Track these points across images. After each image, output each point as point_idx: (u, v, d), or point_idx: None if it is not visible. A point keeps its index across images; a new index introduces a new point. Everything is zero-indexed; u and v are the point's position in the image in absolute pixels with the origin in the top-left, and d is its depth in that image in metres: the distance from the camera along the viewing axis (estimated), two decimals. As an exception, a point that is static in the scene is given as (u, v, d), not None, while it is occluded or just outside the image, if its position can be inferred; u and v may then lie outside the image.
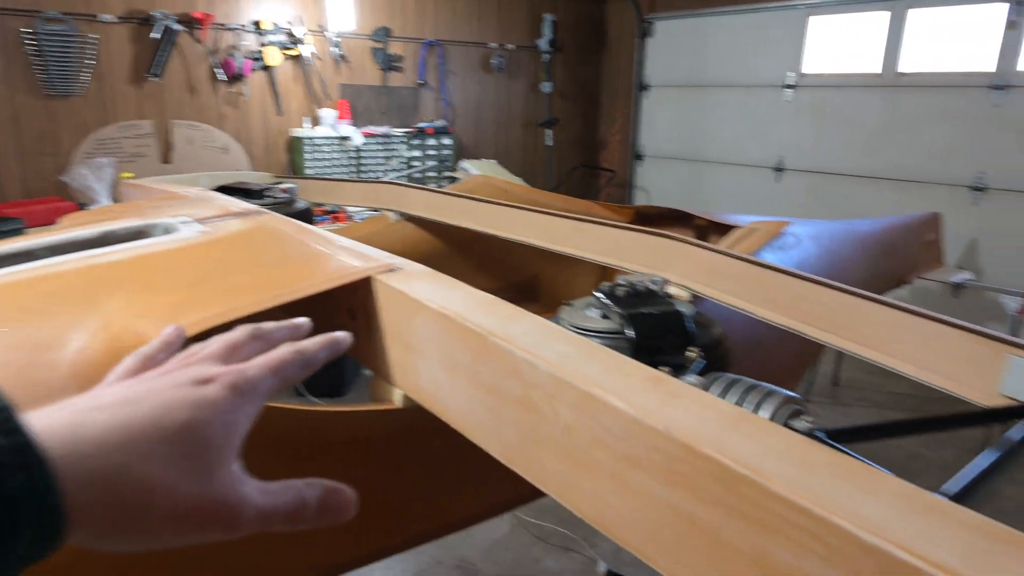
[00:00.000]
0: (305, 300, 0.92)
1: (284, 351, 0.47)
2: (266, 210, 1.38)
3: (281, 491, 0.43)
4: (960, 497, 0.55)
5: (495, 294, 0.85)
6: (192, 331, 0.77)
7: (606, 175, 6.89)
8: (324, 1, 4.88)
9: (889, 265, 2.90)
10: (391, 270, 0.90)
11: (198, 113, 4.56)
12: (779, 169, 5.38)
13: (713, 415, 0.55)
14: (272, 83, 4.79)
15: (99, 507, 0.35)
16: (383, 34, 5.24)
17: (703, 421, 0.54)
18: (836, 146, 5.01)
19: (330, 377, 3.53)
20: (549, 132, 6.42)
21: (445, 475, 1.06)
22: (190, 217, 1.26)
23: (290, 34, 4.75)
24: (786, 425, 0.64)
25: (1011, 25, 4.03)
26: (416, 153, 5.43)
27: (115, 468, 0.35)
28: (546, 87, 6.30)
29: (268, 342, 0.50)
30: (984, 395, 0.84)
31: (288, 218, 1.27)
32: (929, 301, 4.62)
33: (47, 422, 0.35)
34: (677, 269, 1.25)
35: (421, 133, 5.43)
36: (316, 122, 5.03)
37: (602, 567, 2.67)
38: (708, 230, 2.28)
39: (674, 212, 2.41)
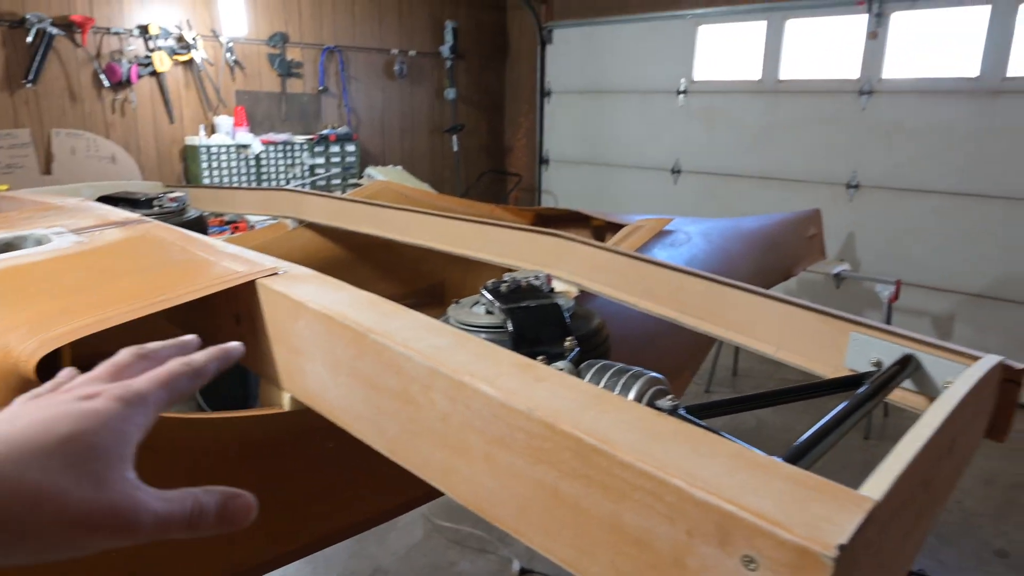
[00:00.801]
0: (189, 308, 0.90)
1: (173, 364, 0.47)
2: (149, 219, 1.34)
3: (179, 498, 0.43)
4: (796, 457, 0.62)
5: (401, 300, 0.86)
6: (65, 340, 0.75)
7: (513, 180, 6.98)
8: (215, 5, 4.72)
9: (775, 259, 3.09)
10: (274, 273, 0.90)
11: (81, 121, 4.31)
12: (676, 171, 5.62)
13: (574, 396, 0.59)
14: (162, 90, 4.59)
15: None
16: (279, 40, 5.12)
17: (564, 401, 0.58)
18: (726, 148, 5.29)
19: (234, 390, 3.41)
20: (455, 138, 6.45)
21: (343, 475, 1.06)
22: (64, 228, 1.21)
23: (180, 39, 4.57)
24: (651, 404, 0.69)
25: (872, 35, 4.39)
26: (320, 161, 5.34)
27: (2, 479, 0.36)
28: (450, 93, 6.33)
29: (156, 360, 0.50)
30: (833, 369, 0.92)
31: (172, 227, 1.24)
32: (814, 292, 4.96)
33: None
34: (566, 266, 1.31)
35: (324, 140, 5.34)
36: (212, 130, 4.86)
37: (516, 566, 2.71)
38: (605, 230, 2.37)
39: (573, 214, 2.48)
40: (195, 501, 0.44)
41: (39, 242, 1.13)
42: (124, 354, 0.49)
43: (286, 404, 0.89)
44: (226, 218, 4.31)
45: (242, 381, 3.42)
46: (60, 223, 1.24)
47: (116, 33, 4.34)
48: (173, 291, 0.87)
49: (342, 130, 5.50)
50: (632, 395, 0.69)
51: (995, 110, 4.08)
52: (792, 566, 0.42)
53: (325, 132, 5.40)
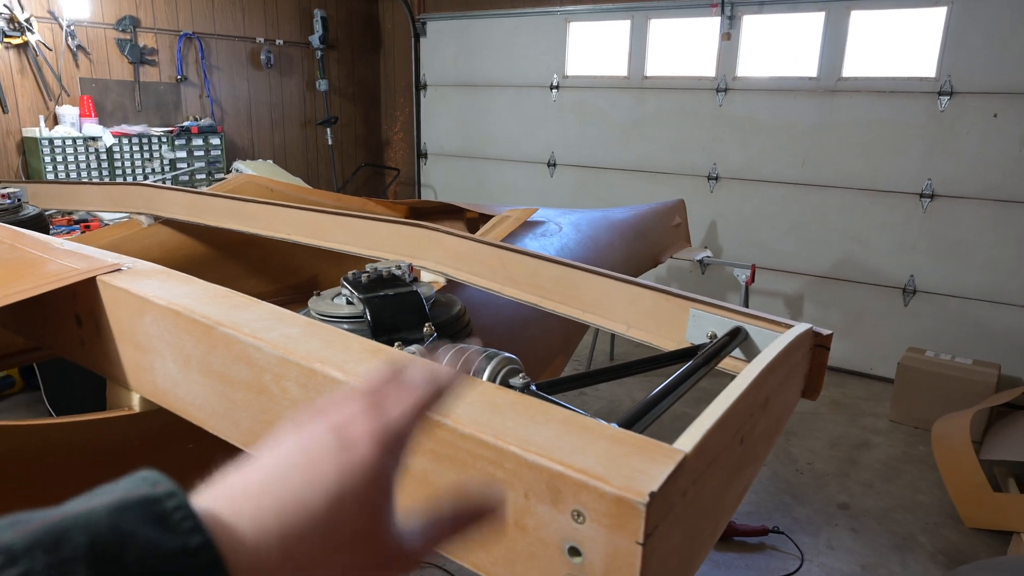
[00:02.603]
0: (24, 309, 0.84)
1: (424, 391, 0.43)
2: (-25, 217, 1.23)
3: (432, 530, 0.42)
4: (631, 422, 0.67)
5: (273, 297, 0.84)
6: None
7: (391, 173, 6.90)
8: (54, -16, 4.33)
9: (643, 247, 3.26)
10: (117, 269, 0.85)
11: None
12: (551, 164, 5.77)
13: (422, 375, 0.61)
14: (-7, 76, 4.16)
15: None
16: (129, 24, 4.77)
17: (412, 381, 0.60)
18: (597, 142, 5.50)
19: (90, 403, 3.17)
20: (329, 131, 6.28)
21: (209, 475, 1.03)
22: None
23: (11, 20, 4.15)
24: (504, 383, 0.73)
25: (725, 36, 4.70)
26: (181, 154, 5.03)
27: (270, 561, 0.34)
28: (322, 85, 6.15)
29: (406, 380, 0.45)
30: (676, 343, 1.00)
31: (1, 224, 1.14)
32: (682, 278, 5.27)
33: (210, 515, 0.33)
34: (433, 256, 1.32)
35: (185, 132, 5.03)
36: (55, 121, 4.45)
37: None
38: (478, 222, 2.41)
39: (447, 206, 2.50)
40: (445, 528, 0.43)
41: None
42: (381, 378, 0.44)
43: (136, 405, 0.86)
44: (75, 216, 3.98)
45: (100, 390, 3.17)
46: None
47: (-67, 11, 3.88)
48: (1, 292, 0.81)
49: (205, 122, 5.21)
50: (486, 375, 0.72)
51: (831, 108, 4.50)
52: (612, 515, 0.46)
53: (186, 124, 5.09)
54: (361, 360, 0.64)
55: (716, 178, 5.02)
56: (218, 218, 1.84)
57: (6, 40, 4.14)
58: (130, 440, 0.91)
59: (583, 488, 0.47)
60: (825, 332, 0.84)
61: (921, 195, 4.31)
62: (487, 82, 6.00)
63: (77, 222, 3.92)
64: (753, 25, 4.73)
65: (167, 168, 4.95)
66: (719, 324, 0.93)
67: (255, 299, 0.78)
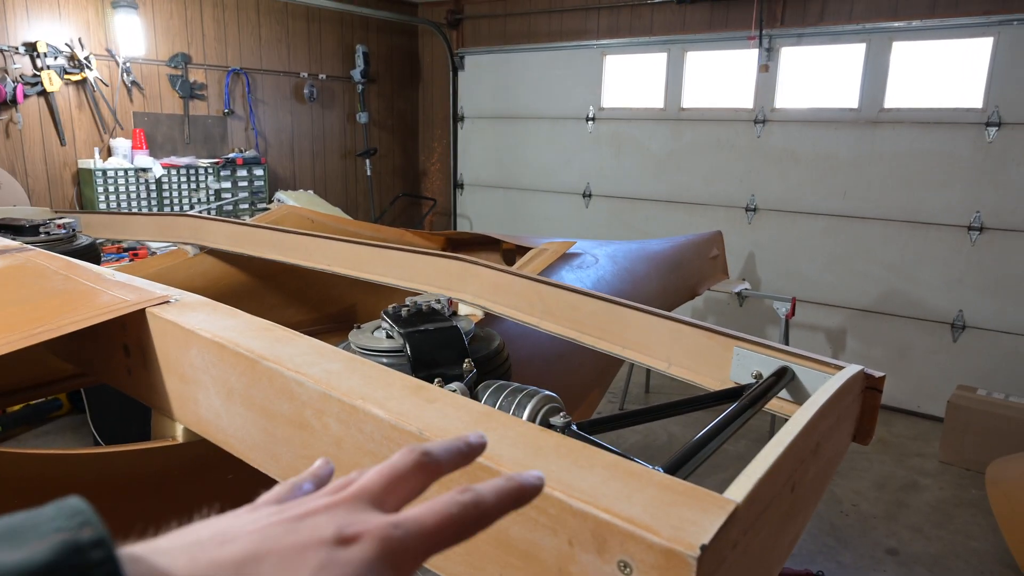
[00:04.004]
0: (75, 339, 0.86)
1: (455, 502, 0.37)
2: (32, 247, 1.27)
3: None
4: (676, 466, 0.65)
5: (312, 326, 0.85)
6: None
7: (428, 204, 6.98)
8: (111, 24, 4.53)
9: (680, 279, 3.22)
10: (165, 302, 0.87)
11: (-41, 143, 4.03)
12: (587, 195, 5.78)
13: (463, 415, 0.61)
14: (52, 110, 4.35)
15: None
16: (181, 61, 4.96)
17: (453, 421, 0.59)
18: (633, 173, 5.49)
19: (133, 428, 3.23)
20: (368, 162, 6.40)
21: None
22: (-68, 257, 1.13)
23: (72, 57, 4.35)
24: (545, 422, 0.72)
25: (763, 68, 4.69)
26: (226, 185, 5.17)
27: None
28: (363, 117, 6.29)
29: (437, 472, 0.41)
30: (719, 382, 0.98)
31: (57, 255, 1.18)
32: (719, 310, 5.19)
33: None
34: (470, 289, 1.33)
35: (231, 164, 5.18)
36: (108, 153, 4.63)
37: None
38: (515, 253, 2.41)
39: (483, 237, 2.52)
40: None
41: (-98, 273, 1.05)
42: (404, 459, 0.39)
43: (179, 435, 0.87)
44: (124, 245, 4.10)
45: (143, 417, 3.24)
46: (-73, 252, 1.16)
47: (1, 50, 4.09)
48: (54, 322, 0.83)
49: (249, 154, 5.36)
50: (526, 413, 0.71)
51: (873, 139, 4.43)
52: (660, 568, 0.45)
53: (231, 156, 5.24)
54: (403, 397, 0.63)
55: (754, 209, 4.97)
56: (260, 248, 1.87)
57: (66, 76, 4.34)
58: (172, 470, 0.92)
59: (630, 538, 0.46)
60: (877, 374, 0.82)
61: (969, 228, 4.20)
62: (523, 114, 6.07)
63: (126, 250, 4.04)
64: (791, 57, 4.71)
65: (212, 198, 5.09)
66: (764, 363, 0.91)
67: (298, 333, 0.78)
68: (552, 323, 1.15)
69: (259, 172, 5.35)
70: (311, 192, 5.76)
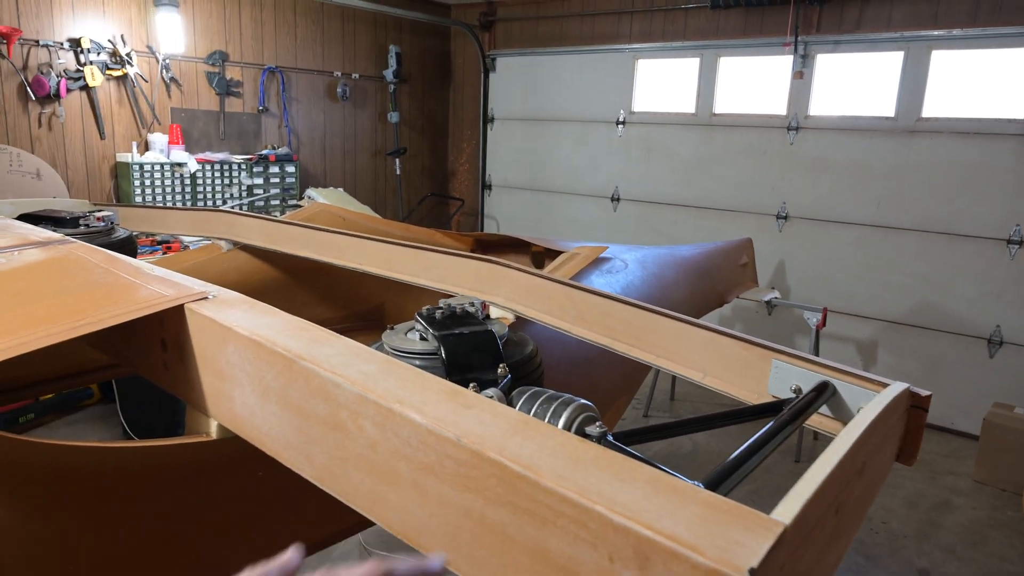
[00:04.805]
0: (113, 332, 0.87)
1: None
2: (73, 239, 1.29)
3: None
4: (716, 482, 0.64)
5: (337, 324, 0.86)
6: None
7: (456, 204, 7.00)
8: (152, 21, 4.61)
9: (708, 286, 3.19)
10: (203, 298, 0.88)
11: (5, 135, 4.13)
12: (615, 199, 5.75)
13: (501, 422, 0.60)
14: (93, 105, 4.44)
15: None
16: (218, 58, 5.04)
17: (491, 428, 0.59)
18: (663, 178, 5.45)
19: (162, 418, 3.28)
20: (398, 161, 6.44)
21: (275, 504, 1.04)
22: (-22, 248, 1.15)
23: (114, 54, 4.44)
24: (580, 431, 0.71)
25: (798, 75, 4.62)
26: (259, 181, 5.23)
27: None
28: (393, 117, 6.33)
29: None
30: (756, 395, 0.96)
31: (97, 248, 1.19)
32: (747, 318, 5.12)
33: None
34: (502, 292, 1.32)
35: (263, 160, 5.25)
36: (146, 147, 4.71)
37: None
38: (543, 256, 2.40)
39: (512, 240, 2.51)
40: None
41: (-51, 262, 1.07)
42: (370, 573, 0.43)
43: (213, 432, 0.87)
44: (158, 238, 4.17)
45: (172, 409, 3.29)
46: (-27, 242, 1.18)
47: (45, 46, 4.19)
48: (95, 315, 0.84)
49: (282, 151, 5.42)
50: (561, 422, 0.70)
51: (910, 148, 4.34)
52: (706, 588, 0.43)
53: (265, 152, 5.30)
54: (440, 402, 0.63)
55: (785, 217, 4.90)
56: (293, 246, 1.89)
57: (108, 72, 4.43)
58: (204, 466, 0.93)
59: (674, 557, 0.45)
60: (923, 393, 0.79)
61: (1009, 241, 4.09)
62: (553, 116, 6.06)
63: (159, 243, 4.11)
64: (827, 64, 4.64)
65: (245, 194, 5.15)
66: (803, 377, 0.89)
67: (334, 333, 0.78)
68: (584, 329, 1.14)
69: (291, 169, 5.41)
70: (341, 190, 5.81)
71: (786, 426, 0.72)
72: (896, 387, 0.76)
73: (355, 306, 2.48)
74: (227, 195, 5.06)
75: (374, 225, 2.39)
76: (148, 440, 0.92)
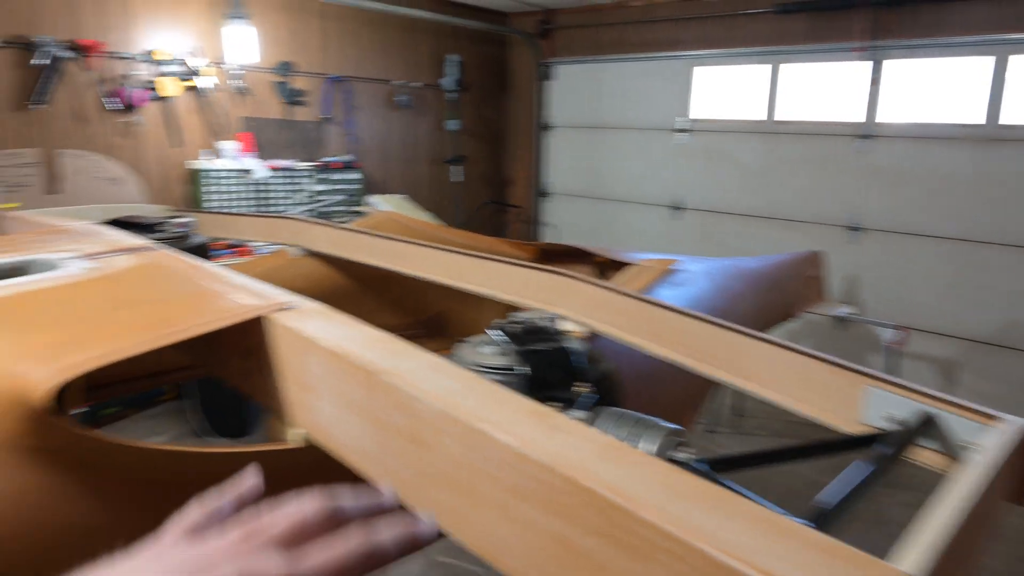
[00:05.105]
0: (201, 338, 0.89)
1: (356, 545, 0.41)
2: (158, 246, 1.33)
3: None
4: (822, 522, 0.60)
5: (402, 331, 0.86)
6: (78, 371, 0.74)
7: (514, 211, 7.02)
8: (224, 33, 4.78)
9: (776, 299, 3.09)
10: (284, 308, 0.89)
11: (87, 143, 4.33)
12: (675, 208, 5.66)
13: (592, 447, 0.58)
14: (168, 114, 4.63)
15: None
16: (286, 68, 5.18)
17: (582, 453, 0.57)
18: (724, 187, 5.34)
19: (233, 417, 3.38)
20: (456, 169, 6.50)
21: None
22: (75, 253, 1.20)
23: (187, 65, 4.62)
24: (668, 457, 0.68)
25: (874, 81, 4.46)
26: (322, 187, 5.36)
27: None
28: (452, 125, 6.39)
29: (342, 522, 0.45)
30: (845, 422, 0.91)
31: (181, 254, 1.23)
32: (815, 334, 4.96)
33: None
34: (571, 305, 1.30)
35: (327, 167, 5.37)
36: (217, 154, 4.88)
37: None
38: (606, 267, 2.37)
39: (575, 249, 2.49)
40: None
41: (48, 267, 1.12)
42: (314, 508, 0.43)
43: (295, 440, 0.88)
44: (228, 242, 4.30)
45: (240, 408, 3.38)
46: (70, 248, 1.23)
47: (124, 58, 4.38)
48: (184, 323, 0.86)
49: (346, 158, 5.53)
50: (650, 446, 0.68)
51: (996, 157, 4.13)
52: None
53: (329, 159, 5.43)
54: (527, 422, 0.62)
55: (856, 229, 4.73)
56: (361, 253, 1.91)
57: (182, 83, 4.61)
58: (282, 473, 0.94)
59: (791, 604, 0.42)
60: (1039, 426, 0.74)
61: (1105, 257, 3.85)
62: (611, 124, 6.01)
63: (230, 247, 4.24)
64: (900, 69, 4.46)
65: (309, 200, 5.28)
66: (899, 405, 0.84)
67: (414, 347, 0.78)
68: (660, 346, 1.11)
69: (354, 176, 5.52)
70: (402, 196, 5.90)
71: (890, 460, 0.68)
72: (1014, 422, 0.71)
73: (418, 313, 2.50)
74: (293, 201, 5.19)
75: (438, 233, 2.41)
76: (227, 446, 0.93)
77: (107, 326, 0.86)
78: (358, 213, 5.51)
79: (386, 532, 0.43)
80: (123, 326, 0.85)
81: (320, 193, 5.34)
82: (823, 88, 4.86)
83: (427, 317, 2.51)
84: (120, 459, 0.83)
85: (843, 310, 3.92)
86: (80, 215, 2.12)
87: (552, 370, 0.81)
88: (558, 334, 0.93)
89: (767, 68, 5.00)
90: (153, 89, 4.50)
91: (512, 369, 0.84)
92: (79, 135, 4.30)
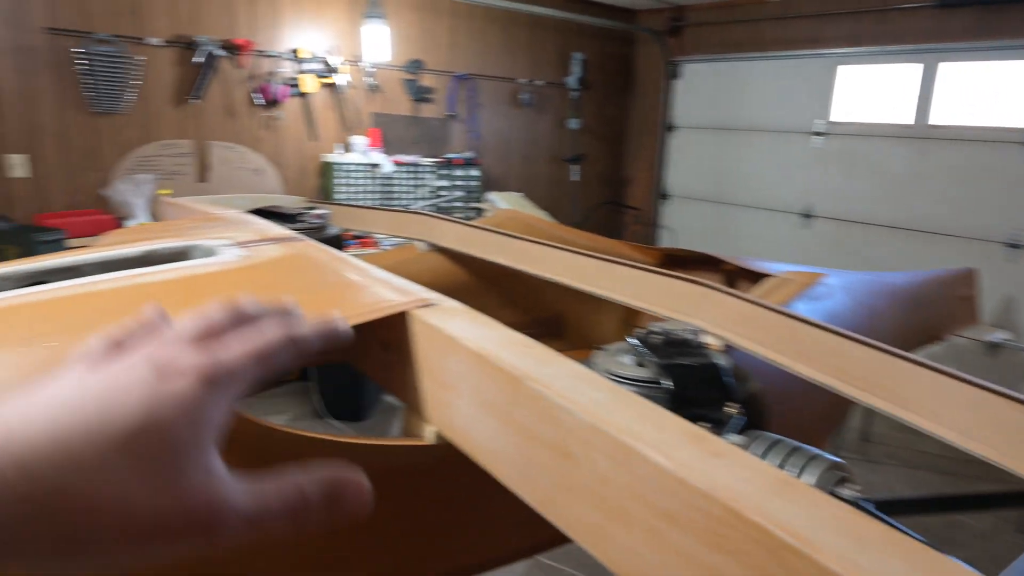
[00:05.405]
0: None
1: (272, 334, 0.39)
2: (302, 236, 1.40)
3: (275, 490, 0.36)
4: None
5: (521, 329, 0.84)
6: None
7: (631, 213, 6.90)
8: (361, 32, 5.00)
9: (921, 320, 2.85)
10: (426, 305, 0.90)
11: (234, 135, 4.66)
12: (807, 215, 5.36)
13: (758, 478, 0.54)
14: (307, 109, 4.89)
15: (30, 535, 0.29)
16: (416, 66, 5.34)
17: (747, 484, 0.53)
18: (864, 194, 4.99)
19: (351, 401, 3.53)
20: (575, 168, 6.47)
21: (468, 515, 1.05)
22: (229, 240, 1.28)
23: (326, 63, 4.86)
24: (831, 492, 0.63)
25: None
26: (444, 183, 5.49)
27: (48, 491, 0.29)
28: (573, 123, 6.36)
29: (252, 323, 0.41)
30: (1029, 466, 0.81)
31: (324, 246, 1.28)
32: (963, 359, 4.53)
33: None
34: (708, 316, 1.24)
35: (449, 163, 5.50)
36: (348, 148, 5.11)
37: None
38: (737, 276, 2.27)
39: (702, 256, 2.39)
40: (296, 490, 0.37)
41: (208, 253, 1.20)
42: (218, 311, 0.40)
43: (430, 437, 0.89)
44: (353, 233, 4.50)
45: (360, 395, 3.52)
46: (225, 235, 1.31)
47: (271, 56, 4.68)
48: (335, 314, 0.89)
49: (467, 154, 5.64)
50: (811, 479, 0.63)
51: None
52: None
53: (452, 156, 5.55)
54: (683, 444, 0.58)
55: (1017, 246, 4.28)
56: (487, 251, 1.93)
57: (321, 79, 4.86)
58: (416, 468, 0.95)
59: None
60: None
61: None
62: (741, 125, 5.77)
63: (355, 237, 4.43)
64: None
65: (431, 195, 5.43)
66: (1103, 453, 0.73)
67: (556, 353, 0.76)
68: (807, 366, 1.04)
69: (474, 173, 5.61)
70: (520, 194, 5.94)
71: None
72: None
73: (536, 313, 2.50)
74: (415, 195, 5.36)
75: (561, 233, 2.39)
76: (364, 437, 0.95)
77: (263, 313, 0.90)
78: (477, 209, 5.62)
79: (303, 324, 0.41)
80: (277, 314, 0.89)
81: (441, 188, 5.48)
82: (987, 89, 4.43)
83: (545, 317, 2.50)
84: (267, 444, 0.87)
85: (997, 335, 3.56)
86: (228, 203, 2.27)
87: (701, 387, 0.77)
88: (703, 348, 0.88)
89: (918, 68, 4.62)
90: (294, 86, 4.77)
91: (658, 383, 0.80)
92: (228, 128, 4.64)
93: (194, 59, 4.34)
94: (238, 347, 0.37)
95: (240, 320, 0.40)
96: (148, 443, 0.32)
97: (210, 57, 4.37)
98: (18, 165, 3.97)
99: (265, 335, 0.38)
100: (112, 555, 0.31)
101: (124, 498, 0.31)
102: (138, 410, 0.32)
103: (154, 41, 4.23)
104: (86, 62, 4.00)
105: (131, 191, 4.12)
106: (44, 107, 3.99)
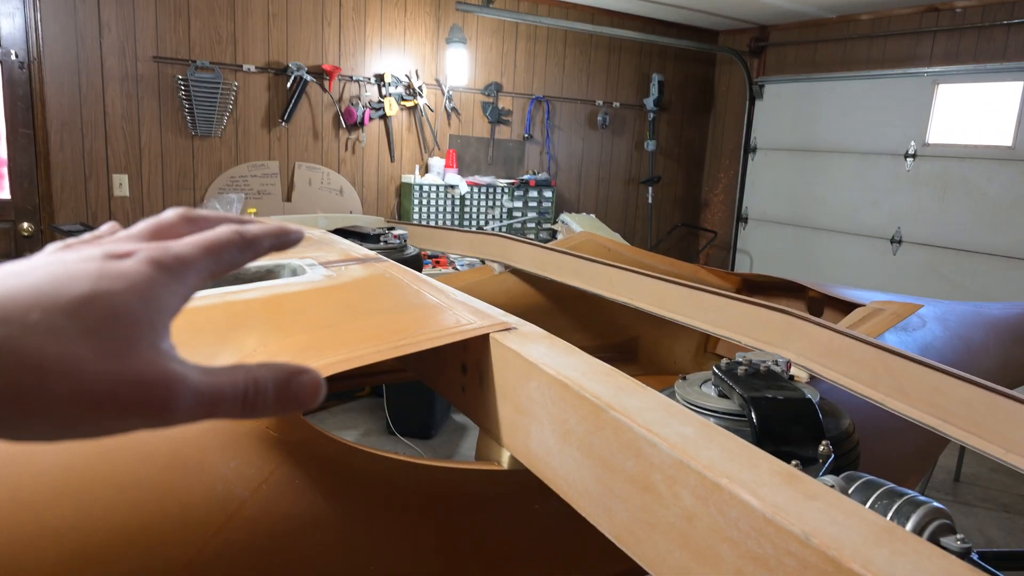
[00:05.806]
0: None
1: (222, 230, 0.40)
2: (383, 257, 1.43)
3: (228, 372, 0.37)
4: None
5: (595, 353, 0.83)
6: (325, 374, 0.79)
7: (707, 236, 6.76)
8: (443, 57, 5.12)
9: (1022, 353, 2.66)
10: (507, 329, 0.90)
11: (320, 157, 4.85)
12: (896, 240, 5.11)
13: (857, 524, 0.51)
14: (388, 132, 5.04)
15: None
16: (494, 89, 5.43)
17: (846, 531, 0.50)
18: (960, 220, 4.72)
19: (420, 418, 3.57)
20: (650, 190, 6.40)
21: (541, 544, 1.04)
22: (314, 260, 1.32)
23: (409, 86, 5.00)
24: (935, 542, 0.59)
25: None
26: (518, 204, 5.53)
27: None
28: (650, 145, 6.31)
29: (204, 226, 0.43)
30: None
31: (404, 267, 1.31)
32: (1066, 395, 4.20)
33: None
34: (795, 347, 1.19)
35: (524, 185, 5.54)
36: (425, 170, 5.23)
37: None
38: (822, 304, 2.18)
39: (785, 282, 2.32)
40: (248, 376, 0.37)
41: (294, 272, 1.24)
42: (170, 214, 0.41)
43: (505, 462, 0.89)
44: (428, 251, 4.59)
45: (429, 412, 3.55)
46: (310, 255, 1.36)
47: (356, 80, 4.85)
48: (413, 335, 0.90)
49: (542, 176, 5.67)
50: (911, 526, 0.59)
51: None
52: None
53: (526, 177, 5.59)
54: (774, 485, 0.56)
55: None
56: (563, 273, 1.92)
57: (402, 103, 5.01)
58: (490, 493, 0.95)
59: None
60: None
61: None
62: (825, 147, 5.57)
63: (429, 257, 4.51)
64: None
65: (504, 216, 5.48)
66: None
67: (640, 384, 0.75)
68: (903, 403, 0.98)
69: (548, 194, 5.63)
70: (593, 216, 5.92)
71: None
72: None
73: (610, 336, 2.47)
74: (489, 216, 5.42)
75: (638, 257, 2.36)
76: (439, 460, 0.96)
77: (345, 333, 0.92)
78: (550, 230, 5.62)
79: (253, 225, 0.42)
80: (359, 334, 0.91)
81: (514, 209, 5.52)
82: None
83: (619, 341, 2.47)
84: (347, 461, 0.89)
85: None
86: (311, 223, 2.35)
87: (790, 423, 0.74)
88: (791, 380, 0.85)
89: (1018, 86, 4.36)
90: (377, 109, 4.93)
91: (744, 416, 0.78)
92: (314, 149, 4.83)
93: (288, 84, 4.56)
94: (189, 239, 0.39)
95: (193, 222, 0.42)
96: (96, 312, 0.33)
97: (300, 82, 4.58)
98: (121, 184, 4.25)
99: (216, 231, 0.40)
100: (63, 421, 0.32)
101: (72, 359, 0.32)
102: (87, 281, 0.33)
103: (249, 68, 4.46)
104: (186, 88, 4.26)
105: (221, 209, 4.35)
106: (146, 130, 4.27)
